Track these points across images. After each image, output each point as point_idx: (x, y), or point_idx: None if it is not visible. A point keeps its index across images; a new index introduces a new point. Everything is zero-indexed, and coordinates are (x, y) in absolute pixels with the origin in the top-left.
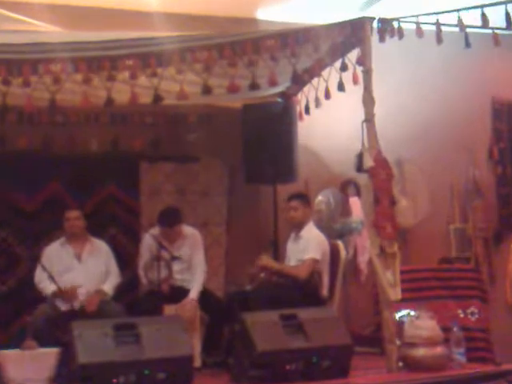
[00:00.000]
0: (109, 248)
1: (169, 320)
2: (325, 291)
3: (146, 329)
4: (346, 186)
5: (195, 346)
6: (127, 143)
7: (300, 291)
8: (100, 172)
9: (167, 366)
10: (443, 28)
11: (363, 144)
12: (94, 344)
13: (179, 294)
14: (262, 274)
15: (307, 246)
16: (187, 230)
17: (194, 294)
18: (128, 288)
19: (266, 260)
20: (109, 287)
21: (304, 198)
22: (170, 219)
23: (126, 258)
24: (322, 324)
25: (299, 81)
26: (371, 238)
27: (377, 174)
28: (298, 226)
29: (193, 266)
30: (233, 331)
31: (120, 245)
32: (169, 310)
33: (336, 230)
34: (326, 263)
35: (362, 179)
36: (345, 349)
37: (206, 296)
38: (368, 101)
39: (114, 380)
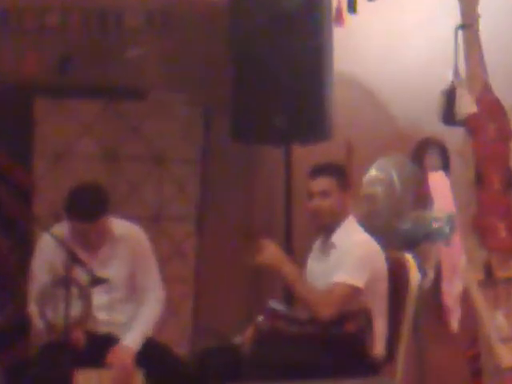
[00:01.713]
0: None
1: None
2: (379, 347)
3: None
4: (424, 152)
5: None
6: (10, 64)
7: (332, 348)
8: None
9: None
10: None
11: (456, 72)
12: None
13: (105, 349)
14: (261, 318)
15: (341, 261)
16: (121, 227)
17: (132, 337)
18: (10, 337)
19: (272, 253)
20: None
21: (340, 172)
22: (89, 206)
23: (6, 280)
24: None
25: None
26: (469, 250)
27: (482, 128)
28: (328, 225)
29: (138, 292)
30: None
31: None
32: (85, 378)
33: (403, 232)
34: (380, 295)
35: (454, 139)
36: None
37: (155, 354)
38: None
39: None
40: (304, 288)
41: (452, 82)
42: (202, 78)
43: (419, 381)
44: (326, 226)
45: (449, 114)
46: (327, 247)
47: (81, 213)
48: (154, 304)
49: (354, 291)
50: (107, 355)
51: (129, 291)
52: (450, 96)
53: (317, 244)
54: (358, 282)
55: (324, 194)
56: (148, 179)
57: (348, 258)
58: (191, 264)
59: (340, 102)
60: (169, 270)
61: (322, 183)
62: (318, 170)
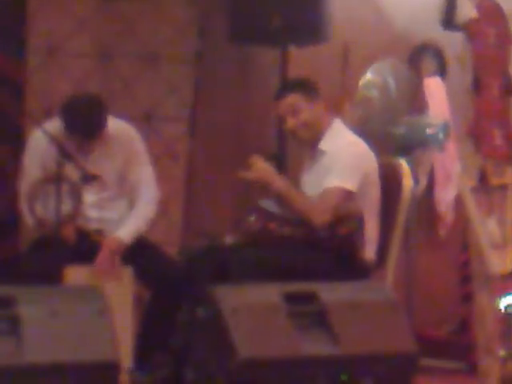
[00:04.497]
0: None
1: (74, 293)
2: (370, 252)
3: (30, 309)
4: (420, 57)
5: (124, 342)
6: None
7: (323, 251)
8: None
9: (67, 379)
10: None
11: None
12: None
13: (95, 245)
14: (252, 218)
15: (331, 166)
16: (114, 126)
17: (124, 231)
18: (1, 232)
19: (262, 167)
20: None
21: (302, 84)
22: (89, 125)
23: None
24: (364, 313)
25: None
26: (464, 157)
27: (481, 33)
28: (312, 137)
29: (131, 190)
30: (194, 319)
31: None
32: (75, 274)
33: (397, 138)
34: (371, 199)
35: (452, 44)
36: (404, 360)
37: (146, 253)
38: None
39: None
40: (297, 198)
41: None
42: None
43: (408, 287)
44: (309, 140)
45: (449, 19)
46: (317, 155)
47: (80, 131)
48: (147, 202)
49: (346, 194)
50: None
51: (120, 189)
52: (450, 0)
53: (307, 152)
54: (350, 184)
55: (293, 112)
56: (141, 78)
57: (337, 162)
58: (182, 164)
59: (337, 5)
60: (159, 169)
61: (287, 102)
62: (280, 91)
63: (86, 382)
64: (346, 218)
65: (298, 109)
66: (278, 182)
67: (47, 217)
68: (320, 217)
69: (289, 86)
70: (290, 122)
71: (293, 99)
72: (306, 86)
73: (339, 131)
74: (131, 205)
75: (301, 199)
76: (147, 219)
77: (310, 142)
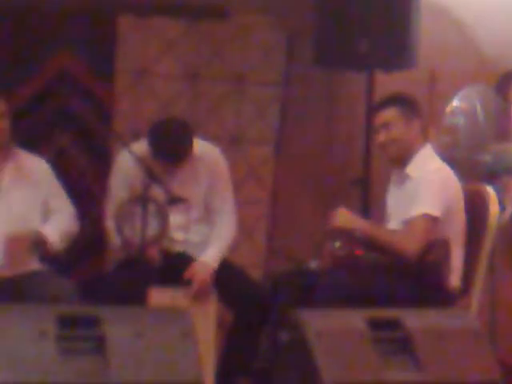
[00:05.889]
0: (51, 170)
1: (158, 315)
2: (456, 279)
3: (115, 329)
4: (508, 84)
5: (207, 364)
6: None
7: (408, 278)
8: (44, 32)
9: None
10: None
11: None
12: (17, 351)
13: (180, 267)
14: (338, 244)
15: (416, 192)
16: (201, 147)
17: (211, 255)
18: (85, 252)
19: (344, 216)
20: (53, 231)
21: (403, 101)
22: (178, 152)
23: (84, 195)
24: (448, 340)
25: None
26: None
27: None
28: (399, 156)
29: (212, 213)
30: (277, 343)
31: (75, 168)
32: (159, 295)
33: (485, 165)
34: (457, 225)
35: None
36: None
37: (230, 275)
38: None
39: None
40: (383, 233)
41: None
42: (286, 1)
43: (492, 314)
44: (397, 158)
45: None
46: (403, 178)
47: (167, 158)
48: (228, 226)
49: (433, 221)
50: (185, 271)
51: (205, 212)
52: None
53: (392, 180)
54: (435, 210)
55: (386, 126)
56: (228, 101)
57: (422, 188)
58: (267, 187)
59: (425, 31)
60: (244, 192)
61: (384, 115)
62: (380, 103)
63: None
64: (432, 245)
65: (392, 124)
66: (361, 223)
67: (133, 238)
68: (411, 246)
69: (391, 99)
70: (381, 136)
71: (389, 113)
72: (407, 104)
73: (427, 157)
74: (213, 227)
75: (387, 233)
76: (229, 242)
77: (397, 159)
